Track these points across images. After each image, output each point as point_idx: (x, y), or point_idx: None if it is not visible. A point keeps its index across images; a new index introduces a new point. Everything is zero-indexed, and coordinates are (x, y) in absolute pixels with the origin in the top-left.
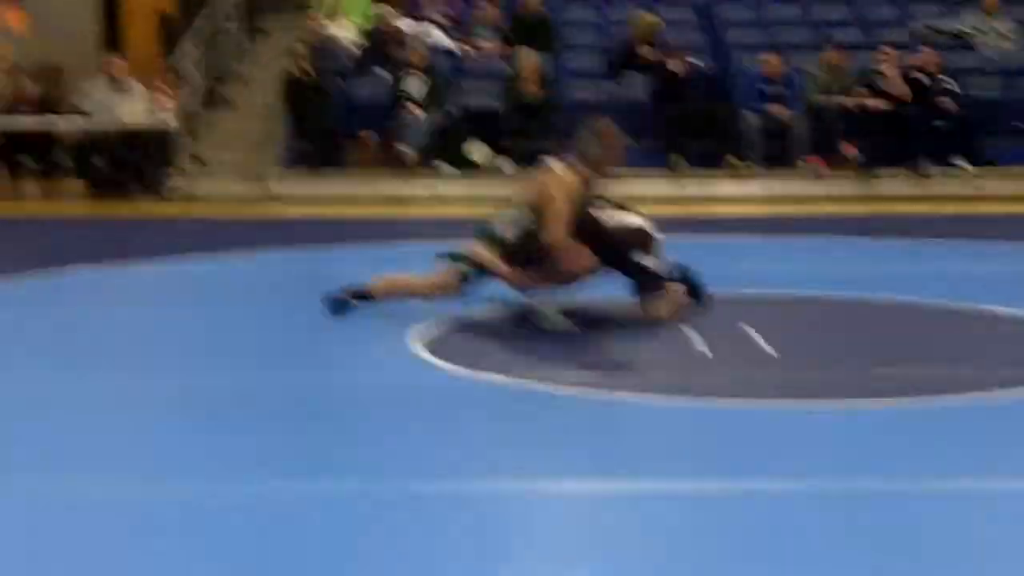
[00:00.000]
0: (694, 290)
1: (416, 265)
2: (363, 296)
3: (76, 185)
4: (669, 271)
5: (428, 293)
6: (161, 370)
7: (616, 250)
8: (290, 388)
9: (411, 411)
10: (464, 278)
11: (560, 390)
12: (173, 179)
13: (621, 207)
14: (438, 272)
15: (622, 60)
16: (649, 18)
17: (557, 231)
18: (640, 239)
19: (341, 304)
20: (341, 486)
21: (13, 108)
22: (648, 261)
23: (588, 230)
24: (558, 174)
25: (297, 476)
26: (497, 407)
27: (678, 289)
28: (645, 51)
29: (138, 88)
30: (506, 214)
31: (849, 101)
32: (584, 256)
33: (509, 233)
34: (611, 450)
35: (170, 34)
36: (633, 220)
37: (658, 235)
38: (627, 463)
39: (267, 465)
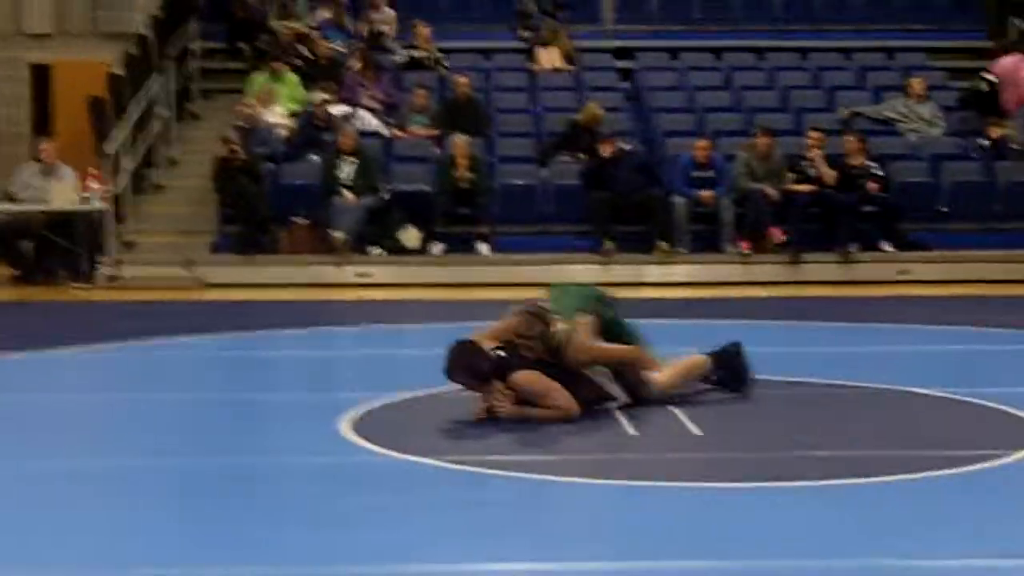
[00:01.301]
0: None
1: (347, 349)
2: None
3: (2, 271)
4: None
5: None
6: (86, 454)
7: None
8: (216, 471)
9: (335, 493)
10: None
11: (485, 471)
12: (103, 264)
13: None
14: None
15: (557, 145)
16: (594, 108)
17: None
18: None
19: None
20: (263, 571)
21: None
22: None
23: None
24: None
25: (221, 560)
26: (421, 489)
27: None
28: (585, 137)
29: (68, 172)
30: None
31: (777, 186)
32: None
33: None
34: (532, 532)
35: (101, 118)
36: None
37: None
38: (547, 545)
39: (189, 549)
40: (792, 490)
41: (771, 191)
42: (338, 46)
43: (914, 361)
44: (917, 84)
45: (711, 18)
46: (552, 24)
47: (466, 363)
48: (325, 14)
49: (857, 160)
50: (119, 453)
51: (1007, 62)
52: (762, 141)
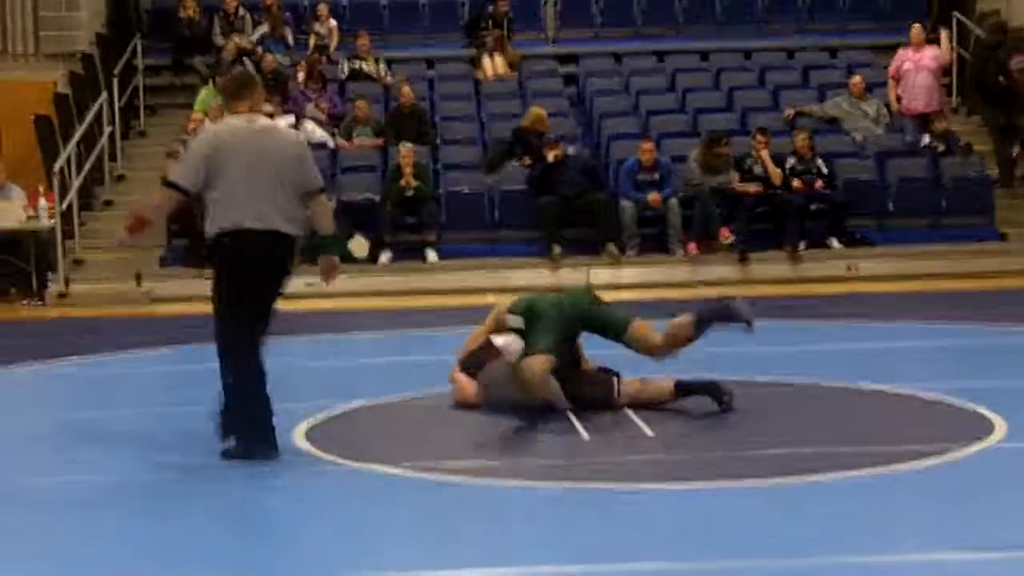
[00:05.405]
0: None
1: (298, 360)
2: None
3: None
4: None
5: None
6: (37, 472)
7: None
8: (169, 483)
9: (290, 503)
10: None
11: (439, 478)
12: (52, 281)
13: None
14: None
15: (504, 154)
16: (538, 110)
17: None
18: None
19: None
20: None
21: None
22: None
23: None
24: None
25: (176, 571)
26: (375, 496)
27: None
28: (532, 141)
29: (17, 191)
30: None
31: (725, 186)
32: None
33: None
34: (486, 538)
35: (48, 137)
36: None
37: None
38: (502, 551)
39: (144, 560)
40: (746, 489)
41: (721, 186)
42: (279, 58)
43: (864, 358)
44: (858, 81)
45: (653, 21)
46: (498, 33)
47: None
48: (263, 28)
49: (804, 158)
50: (72, 470)
51: (900, 55)
52: (723, 150)
